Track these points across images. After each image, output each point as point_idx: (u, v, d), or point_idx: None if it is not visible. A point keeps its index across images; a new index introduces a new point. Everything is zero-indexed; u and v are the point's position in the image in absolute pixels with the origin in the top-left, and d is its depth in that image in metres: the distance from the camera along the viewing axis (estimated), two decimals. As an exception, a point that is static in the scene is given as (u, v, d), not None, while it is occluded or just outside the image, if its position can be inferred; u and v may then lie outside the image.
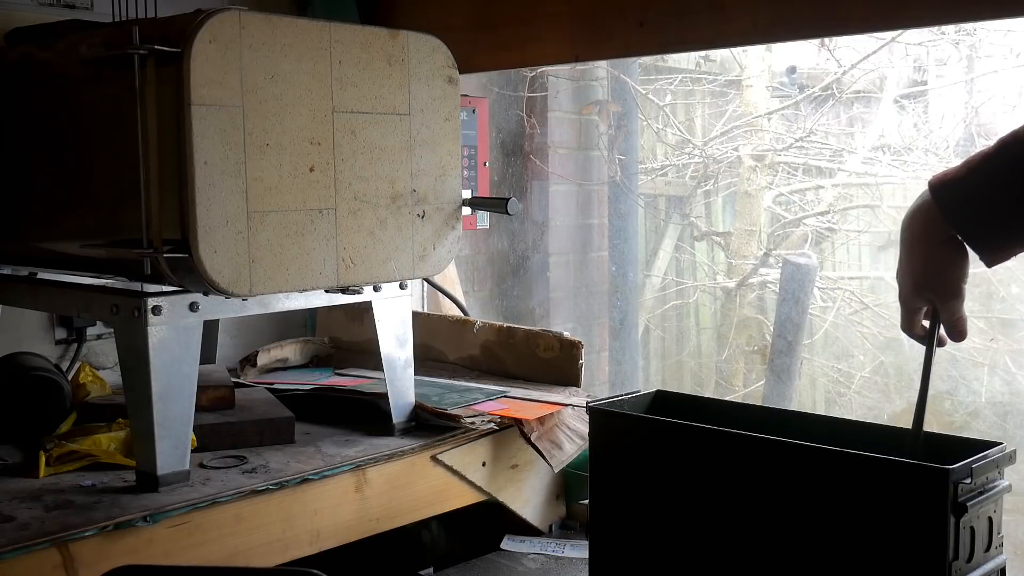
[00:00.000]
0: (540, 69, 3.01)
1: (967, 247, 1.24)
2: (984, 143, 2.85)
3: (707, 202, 3.69)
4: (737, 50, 3.42)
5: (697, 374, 3.74)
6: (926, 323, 1.31)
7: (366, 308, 1.81)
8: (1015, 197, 1.18)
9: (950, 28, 2.96)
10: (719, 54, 3.55)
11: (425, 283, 2.46)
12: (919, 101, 3.22)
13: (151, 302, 1.50)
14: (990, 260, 1.22)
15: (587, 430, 1.62)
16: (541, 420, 1.88)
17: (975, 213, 1.21)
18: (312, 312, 2.46)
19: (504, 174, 2.99)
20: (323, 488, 1.63)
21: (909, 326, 1.31)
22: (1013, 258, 1.23)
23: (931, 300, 1.28)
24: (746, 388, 3.45)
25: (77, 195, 1.63)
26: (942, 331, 1.30)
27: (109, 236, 1.53)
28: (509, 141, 3.01)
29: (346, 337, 2.39)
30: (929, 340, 1.31)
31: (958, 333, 1.28)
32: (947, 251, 1.24)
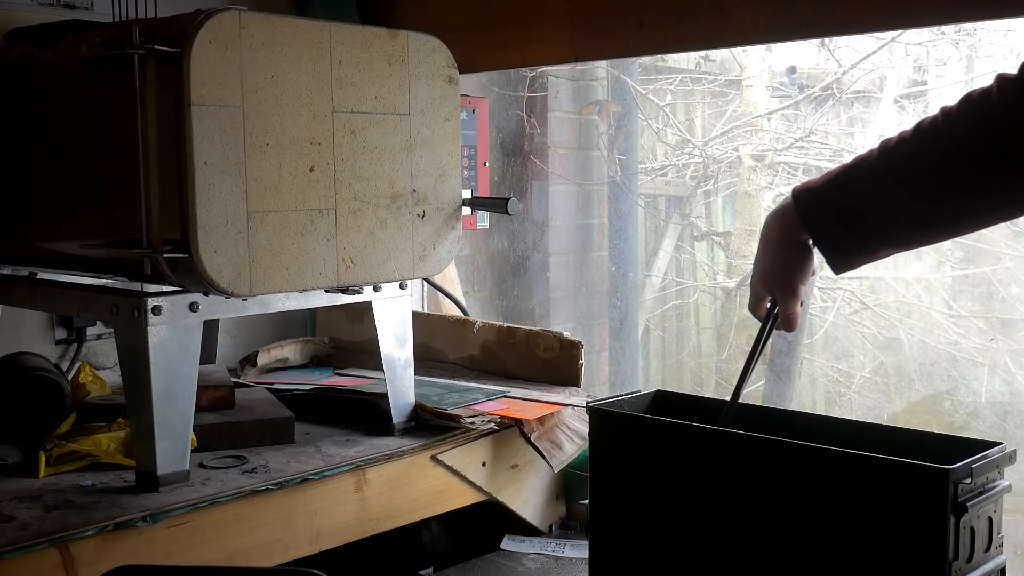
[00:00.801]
0: (540, 69, 3.01)
1: (812, 254, 1.35)
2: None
3: (707, 202, 3.69)
4: (737, 50, 3.42)
5: (697, 374, 3.74)
6: (767, 306, 1.43)
7: (366, 308, 1.81)
8: (864, 210, 1.27)
9: (950, 28, 2.96)
10: (719, 54, 3.55)
11: (425, 283, 2.46)
12: (919, 101, 3.22)
13: (151, 302, 1.50)
14: (835, 267, 1.33)
15: (587, 430, 1.62)
16: (541, 420, 1.88)
17: (827, 221, 1.30)
18: (312, 312, 2.46)
19: (504, 174, 2.99)
20: (323, 488, 1.63)
21: (754, 309, 1.44)
22: (862, 267, 1.34)
23: (772, 292, 1.40)
24: (746, 388, 3.44)
25: (77, 195, 1.63)
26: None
27: (109, 236, 1.53)
28: (509, 141, 3.01)
29: (346, 337, 2.39)
30: (764, 325, 1.43)
31: (789, 326, 1.42)
32: (795, 253, 1.35)
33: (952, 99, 1.22)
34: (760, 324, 1.44)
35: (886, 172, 1.25)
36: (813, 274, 1.39)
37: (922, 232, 1.29)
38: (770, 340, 1.45)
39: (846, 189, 1.29)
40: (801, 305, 1.40)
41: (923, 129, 1.24)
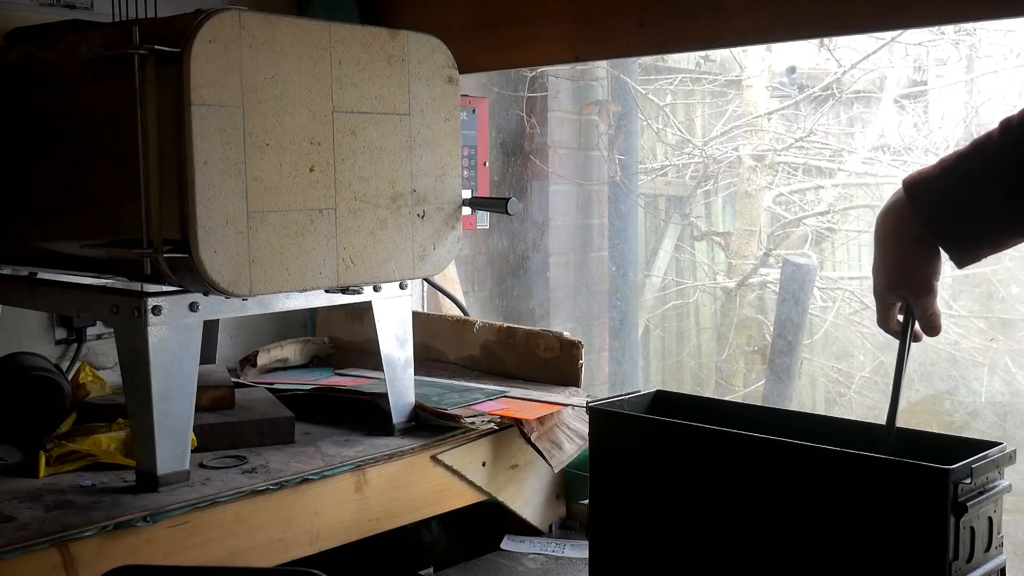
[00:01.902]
0: (540, 69, 3.01)
1: (938, 246, 1.24)
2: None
3: (707, 202, 3.69)
4: (737, 50, 3.42)
5: (697, 374, 3.74)
6: (900, 318, 1.32)
7: (366, 308, 1.81)
8: (986, 198, 1.18)
9: (950, 28, 2.96)
10: (719, 54, 3.55)
11: (425, 283, 2.46)
12: (919, 101, 3.22)
13: (151, 302, 1.50)
14: (960, 260, 1.23)
15: (587, 430, 1.62)
16: (541, 420, 1.88)
17: (947, 212, 1.21)
18: (312, 312, 2.46)
19: (504, 174, 2.99)
20: (323, 488, 1.63)
21: (884, 321, 1.32)
22: (984, 259, 1.24)
23: (904, 297, 1.29)
24: (746, 388, 3.45)
25: (77, 195, 1.63)
26: (917, 327, 1.31)
27: (109, 236, 1.53)
28: (509, 141, 3.01)
29: (346, 337, 2.39)
30: (903, 336, 1.31)
31: (932, 328, 1.29)
32: (920, 248, 1.24)
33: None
34: (898, 339, 1.31)
35: (1009, 153, 1.15)
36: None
37: None
38: (908, 353, 1.32)
39: (965, 177, 1.19)
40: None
41: None
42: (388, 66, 1.65)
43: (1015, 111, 1.17)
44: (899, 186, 1.26)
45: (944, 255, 1.25)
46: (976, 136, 1.21)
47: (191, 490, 1.52)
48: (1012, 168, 1.14)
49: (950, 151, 1.23)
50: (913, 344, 1.32)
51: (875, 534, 1.27)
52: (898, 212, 1.25)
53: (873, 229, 1.29)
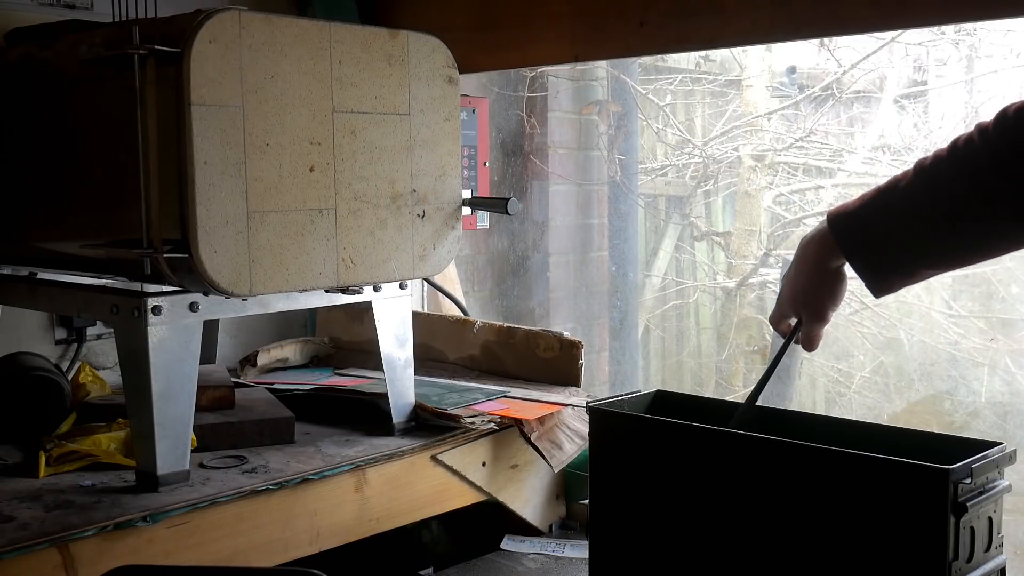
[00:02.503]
0: (540, 69, 3.01)
1: (846, 281, 1.35)
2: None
3: (707, 202, 3.69)
4: (737, 50, 3.42)
5: (697, 374, 3.74)
6: (792, 322, 1.44)
7: (366, 308, 1.81)
8: (902, 232, 1.26)
9: (950, 28, 2.96)
10: (719, 54, 3.55)
11: (425, 283, 2.46)
12: (919, 101, 3.22)
13: (151, 302, 1.50)
14: (876, 290, 1.32)
15: (587, 430, 1.62)
16: (541, 420, 1.88)
17: (865, 245, 1.30)
18: (312, 312, 2.46)
19: (504, 174, 2.99)
20: (323, 488, 1.63)
21: (776, 323, 1.45)
22: (900, 290, 1.33)
23: (799, 314, 1.41)
24: (746, 388, 3.45)
25: (77, 195, 1.63)
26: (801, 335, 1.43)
27: (109, 236, 1.53)
28: (509, 141, 3.01)
29: (346, 337, 2.39)
30: (787, 339, 1.44)
31: (810, 346, 1.42)
32: (829, 279, 1.35)
33: (966, 123, 1.22)
34: (782, 338, 1.44)
35: (922, 191, 1.23)
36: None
37: (962, 252, 1.27)
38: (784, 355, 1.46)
39: (881, 211, 1.27)
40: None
41: (959, 147, 1.21)
42: (388, 66, 1.65)
43: (962, 133, 1.23)
44: (823, 218, 1.35)
45: (860, 286, 1.34)
46: (896, 173, 1.30)
47: (191, 490, 1.52)
48: (986, 166, 1.19)
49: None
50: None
51: (875, 534, 1.27)
52: (820, 241, 1.34)
53: (796, 247, 1.39)
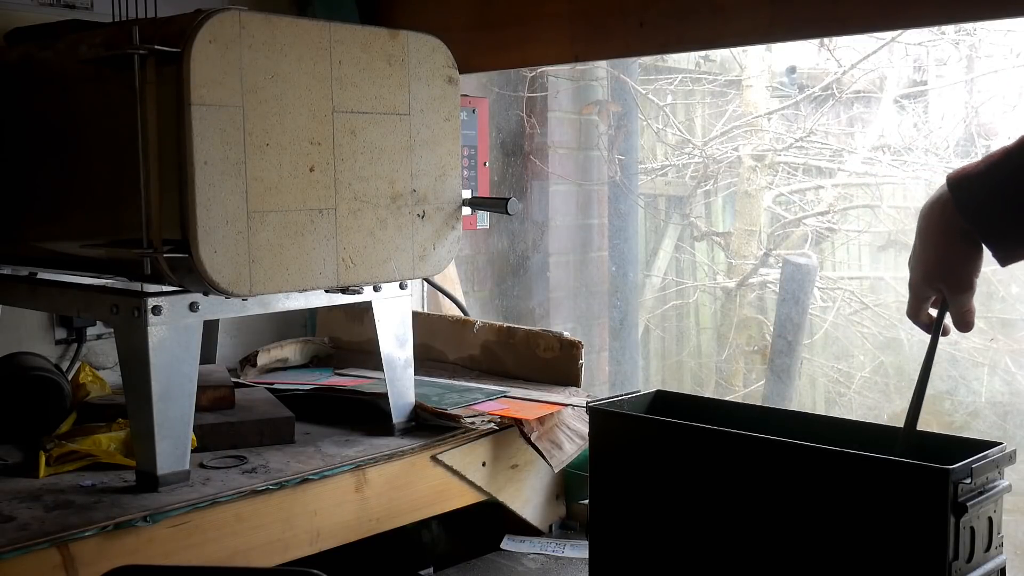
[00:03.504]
0: (540, 69, 3.01)
1: (981, 243, 1.23)
2: (984, 143, 2.85)
3: (707, 202, 3.69)
4: (737, 50, 3.42)
5: (697, 374, 3.74)
6: (932, 312, 1.32)
7: (366, 308, 1.81)
8: None
9: (950, 28, 2.96)
10: (719, 54, 3.55)
11: (425, 283, 2.46)
12: (919, 101, 3.22)
13: (151, 302, 1.50)
14: (1003, 259, 1.22)
15: (587, 430, 1.62)
16: (541, 420, 1.88)
17: (991, 210, 1.20)
18: (312, 312, 2.46)
19: (504, 174, 2.99)
20: (323, 488, 1.63)
21: (915, 313, 1.32)
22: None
23: (941, 291, 1.29)
24: (746, 388, 3.45)
25: (77, 195, 1.63)
26: (948, 321, 1.31)
27: (109, 236, 1.53)
28: (509, 141, 3.01)
29: (346, 337, 2.39)
30: (935, 329, 1.32)
31: (965, 324, 1.29)
32: (963, 245, 1.24)
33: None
34: (928, 332, 1.32)
35: None
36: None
37: None
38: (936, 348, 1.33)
39: (1009, 173, 1.19)
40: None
41: None
42: (388, 66, 1.65)
43: None
44: (943, 182, 1.25)
45: (987, 253, 1.24)
46: (1012, 139, 1.21)
47: (191, 490, 1.52)
48: None
49: (973, 152, 1.23)
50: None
51: (875, 534, 1.27)
52: (942, 208, 1.24)
53: (917, 220, 1.28)
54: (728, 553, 1.41)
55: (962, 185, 1.22)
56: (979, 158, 1.23)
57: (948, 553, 1.23)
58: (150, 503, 1.47)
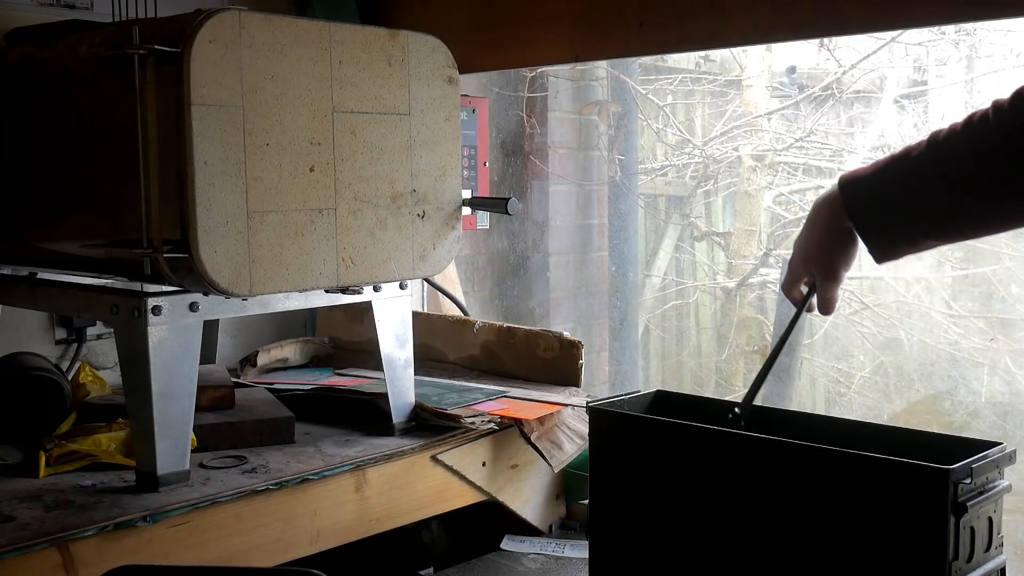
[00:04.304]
0: (540, 69, 3.01)
1: (857, 241, 1.35)
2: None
3: (707, 202, 3.69)
4: (737, 50, 3.42)
5: (697, 374, 3.74)
6: (804, 290, 1.44)
7: (366, 308, 1.81)
8: (909, 202, 1.28)
9: (950, 28, 2.96)
10: (719, 54, 3.55)
11: (425, 283, 2.46)
12: (919, 101, 3.22)
13: (151, 302, 1.50)
14: (879, 256, 1.33)
15: (587, 430, 1.62)
16: (541, 420, 1.88)
17: (872, 211, 1.31)
18: (312, 312, 2.46)
19: (504, 174, 2.99)
20: (323, 488, 1.63)
21: (788, 289, 1.45)
22: (903, 258, 1.35)
23: (813, 275, 1.41)
24: (746, 388, 3.44)
25: (77, 195, 1.63)
26: (815, 301, 1.43)
27: (109, 236, 1.53)
28: (509, 141, 3.01)
29: (346, 337, 2.39)
30: (800, 305, 1.44)
31: (827, 310, 1.42)
32: (840, 239, 1.36)
33: (954, 108, 1.22)
34: (795, 307, 1.45)
35: (932, 163, 1.25)
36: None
37: (965, 226, 1.28)
38: (797, 325, 1.47)
39: (892, 179, 1.29)
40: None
41: (973, 123, 1.23)
42: (388, 66, 1.65)
43: (979, 108, 1.25)
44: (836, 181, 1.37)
45: (864, 250, 1.35)
46: (909, 144, 1.31)
47: (191, 490, 1.53)
48: (998, 145, 1.20)
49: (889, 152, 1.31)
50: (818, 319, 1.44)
51: (875, 534, 1.27)
52: (830, 203, 1.36)
53: (809, 210, 1.41)
54: (728, 553, 1.41)
55: (851, 186, 1.34)
56: (870, 163, 1.34)
57: (948, 553, 1.23)
58: (150, 503, 1.47)
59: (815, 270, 1.40)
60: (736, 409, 1.47)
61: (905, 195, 1.28)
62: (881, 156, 1.33)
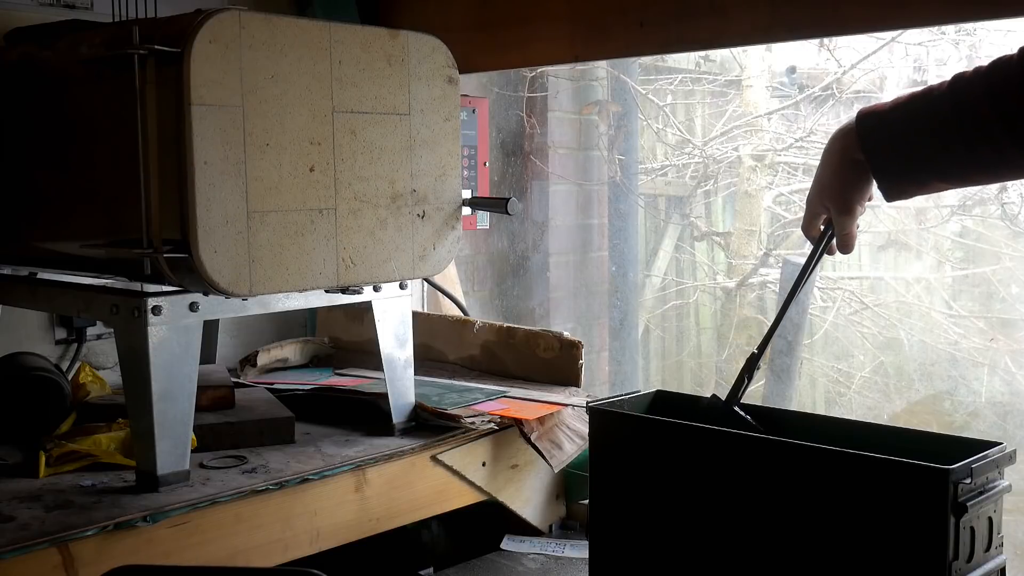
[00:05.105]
0: (540, 69, 3.01)
1: (871, 176, 1.33)
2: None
3: (707, 202, 3.69)
4: (737, 50, 3.42)
5: (697, 374, 3.74)
6: (821, 227, 1.42)
7: (366, 308, 1.81)
8: (923, 140, 1.26)
9: (950, 28, 2.96)
10: (719, 54, 3.55)
11: (425, 283, 2.46)
12: (919, 101, 3.21)
13: (151, 302, 1.50)
14: (887, 192, 1.32)
15: (587, 430, 1.62)
16: (541, 420, 1.88)
17: (885, 145, 1.30)
18: (312, 312, 2.46)
19: (504, 174, 2.99)
20: (323, 488, 1.63)
21: (807, 228, 1.43)
22: (912, 198, 1.34)
23: (828, 210, 1.39)
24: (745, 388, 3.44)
25: (77, 195, 1.63)
26: (834, 242, 1.42)
27: (109, 236, 1.53)
28: (509, 141, 3.01)
29: (346, 337, 2.39)
30: (819, 244, 1.42)
31: (845, 246, 1.40)
32: (854, 173, 1.34)
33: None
34: (814, 244, 1.43)
35: (950, 103, 1.23)
36: (870, 198, 1.38)
37: (976, 172, 1.27)
38: (819, 265, 1.45)
39: (908, 117, 1.27)
40: (857, 227, 1.39)
41: (997, 65, 1.21)
42: (388, 66, 1.65)
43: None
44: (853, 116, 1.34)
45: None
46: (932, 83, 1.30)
47: (191, 490, 1.53)
48: (1017, 92, 1.18)
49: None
50: (828, 258, 1.44)
51: (875, 534, 1.27)
52: (844, 136, 1.34)
53: (825, 144, 1.39)
54: (728, 553, 1.41)
55: (867, 120, 1.32)
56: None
57: (948, 553, 1.23)
58: (150, 503, 1.47)
59: (829, 204, 1.37)
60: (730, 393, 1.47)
61: (919, 135, 1.26)
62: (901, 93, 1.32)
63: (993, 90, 1.20)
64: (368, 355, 2.16)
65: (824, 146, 1.38)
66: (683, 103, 3.65)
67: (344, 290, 1.67)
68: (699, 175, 3.63)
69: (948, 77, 1.26)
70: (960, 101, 1.23)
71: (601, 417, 1.57)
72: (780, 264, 3.38)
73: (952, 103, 1.23)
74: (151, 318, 1.50)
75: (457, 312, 2.42)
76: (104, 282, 1.72)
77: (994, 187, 2.79)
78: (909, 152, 1.28)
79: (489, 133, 2.58)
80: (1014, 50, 1.20)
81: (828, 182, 1.37)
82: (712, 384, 3.60)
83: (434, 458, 1.79)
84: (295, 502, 1.60)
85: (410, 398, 1.85)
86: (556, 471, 1.92)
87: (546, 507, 2.02)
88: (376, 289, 1.76)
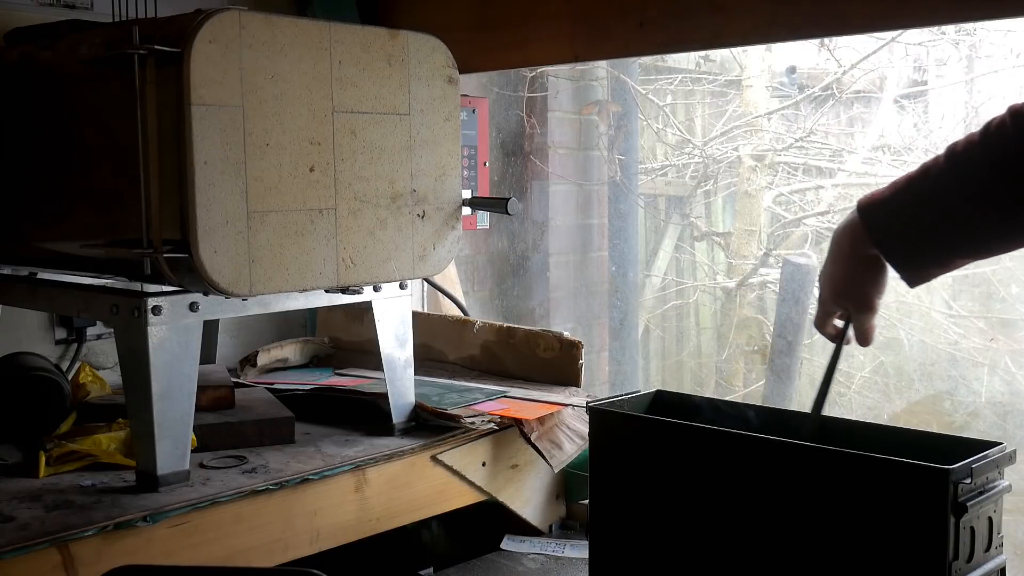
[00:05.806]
0: (540, 69, 3.01)
1: (886, 267, 1.30)
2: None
3: (707, 202, 3.69)
4: (737, 50, 3.42)
5: (697, 374, 3.74)
6: (837, 323, 1.39)
7: (366, 308, 1.81)
8: (933, 220, 1.23)
9: (950, 28, 2.96)
10: (719, 54, 3.55)
11: (425, 283, 2.46)
12: (919, 101, 3.22)
13: (151, 302, 1.50)
14: (909, 280, 1.29)
15: (587, 430, 1.62)
16: (541, 420, 1.88)
17: (896, 234, 1.27)
18: (312, 312, 2.46)
19: (504, 174, 2.99)
20: (323, 488, 1.63)
21: (821, 325, 1.39)
22: (935, 278, 1.30)
23: (847, 309, 1.36)
24: (746, 388, 3.45)
25: (77, 195, 1.63)
26: (851, 334, 1.38)
27: (109, 236, 1.53)
28: (509, 141, 3.01)
29: (346, 337, 2.39)
30: (839, 341, 1.39)
31: (866, 340, 1.37)
32: (869, 268, 1.31)
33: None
34: (833, 342, 1.40)
35: (952, 177, 1.21)
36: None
37: (992, 241, 1.24)
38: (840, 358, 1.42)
39: (912, 199, 1.25)
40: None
41: (991, 131, 1.18)
42: (388, 66, 1.65)
43: (996, 116, 1.21)
44: (854, 207, 1.32)
45: (894, 275, 1.30)
46: (925, 160, 1.27)
47: (191, 490, 1.53)
48: (1017, 156, 1.16)
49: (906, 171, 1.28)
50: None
51: (875, 534, 1.27)
52: (852, 231, 1.31)
53: (830, 241, 1.35)
54: (728, 553, 1.41)
55: (870, 210, 1.28)
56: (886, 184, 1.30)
57: (948, 553, 1.23)
58: (150, 503, 1.47)
59: (848, 304, 1.34)
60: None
61: (927, 214, 1.23)
62: (892, 178, 1.29)
63: (992, 156, 1.18)
64: (368, 355, 2.16)
65: (830, 244, 1.34)
66: (683, 103, 3.65)
67: (344, 290, 1.67)
68: (699, 175, 3.63)
69: (941, 151, 1.24)
70: (961, 173, 1.20)
71: (601, 417, 1.57)
72: (780, 264, 3.38)
73: (954, 176, 1.21)
74: (151, 318, 1.50)
75: (457, 312, 2.42)
76: (104, 282, 1.72)
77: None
78: (922, 236, 1.24)
79: (489, 133, 2.58)
80: (1003, 111, 1.19)
81: (843, 282, 1.33)
82: (712, 384, 3.60)
83: (434, 458, 1.79)
84: (295, 502, 1.60)
85: (410, 398, 1.85)
86: (556, 471, 1.92)
87: (546, 507, 2.02)
88: (376, 289, 1.76)
